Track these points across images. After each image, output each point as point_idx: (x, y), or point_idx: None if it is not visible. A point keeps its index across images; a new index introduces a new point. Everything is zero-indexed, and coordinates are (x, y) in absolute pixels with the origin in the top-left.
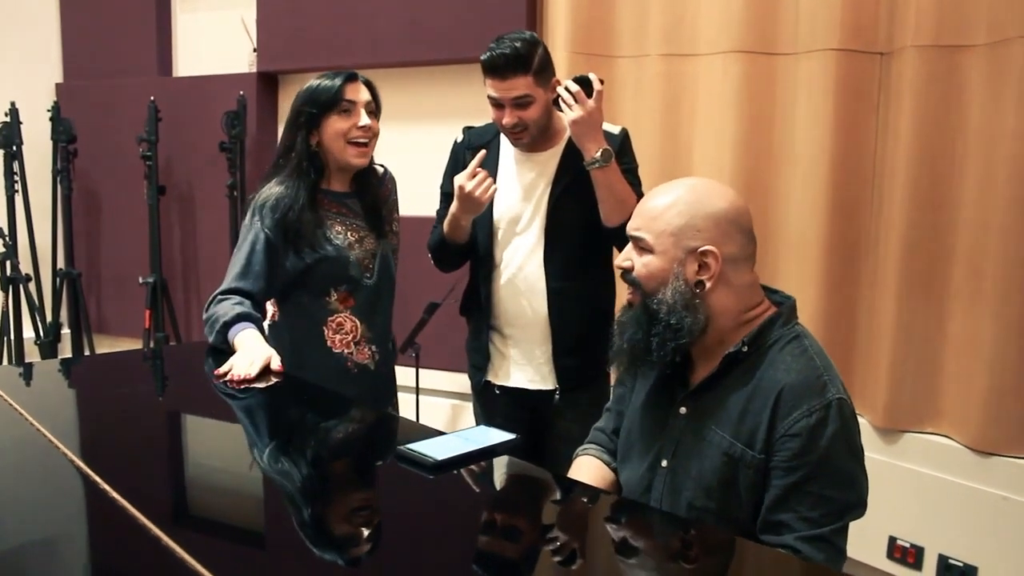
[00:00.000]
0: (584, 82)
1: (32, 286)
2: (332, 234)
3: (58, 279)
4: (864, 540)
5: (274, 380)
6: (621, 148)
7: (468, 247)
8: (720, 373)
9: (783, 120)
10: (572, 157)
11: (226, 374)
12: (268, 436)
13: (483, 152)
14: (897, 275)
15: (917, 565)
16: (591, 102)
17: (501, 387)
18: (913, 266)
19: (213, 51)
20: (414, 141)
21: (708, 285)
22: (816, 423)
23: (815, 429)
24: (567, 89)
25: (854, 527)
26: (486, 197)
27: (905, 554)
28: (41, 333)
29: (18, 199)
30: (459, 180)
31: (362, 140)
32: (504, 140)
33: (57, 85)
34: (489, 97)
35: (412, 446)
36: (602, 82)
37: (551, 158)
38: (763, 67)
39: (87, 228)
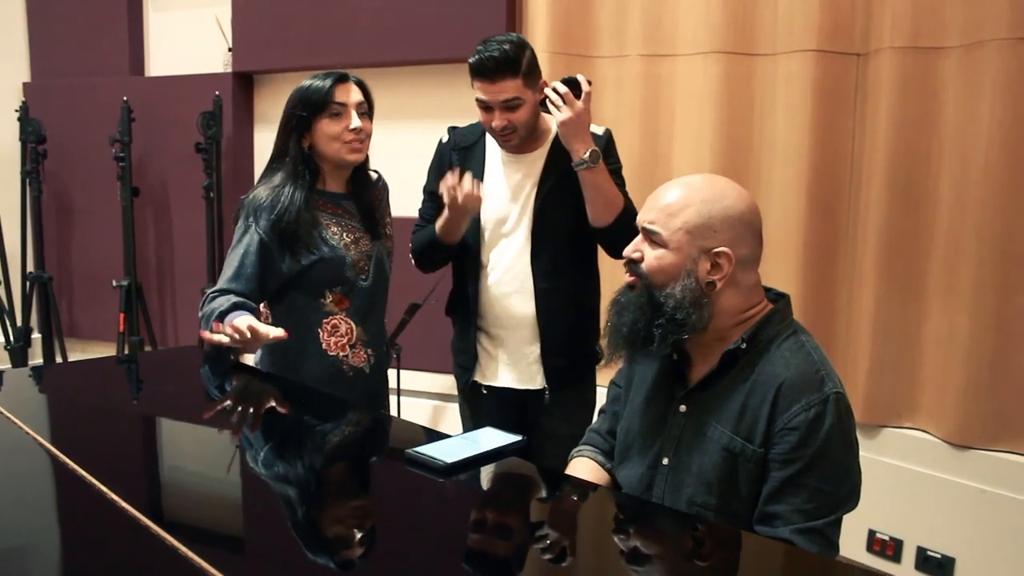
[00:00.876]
0: (573, 83)
1: (1, 290)
2: (328, 235)
3: (28, 283)
4: (843, 533)
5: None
6: (606, 148)
7: (456, 249)
8: (719, 370)
9: (762, 120)
10: (558, 158)
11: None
12: (273, 443)
13: (469, 175)
14: (874, 273)
15: (896, 558)
16: (580, 103)
17: (488, 387)
18: (890, 264)
19: (186, 51)
20: (393, 142)
21: (719, 286)
22: (814, 417)
23: (813, 423)
24: (555, 90)
25: None
26: (473, 202)
27: (884, 547)
28: (10, 338)
29: None
30: (445, 192)
31: (355, 142)
32: (490, 141)
33: (24, 84)
34: (478, 100)
35: (421, 449)
36: (590, 83)
37: (537, 159)
38: (742, 68)
39: (58, 231)
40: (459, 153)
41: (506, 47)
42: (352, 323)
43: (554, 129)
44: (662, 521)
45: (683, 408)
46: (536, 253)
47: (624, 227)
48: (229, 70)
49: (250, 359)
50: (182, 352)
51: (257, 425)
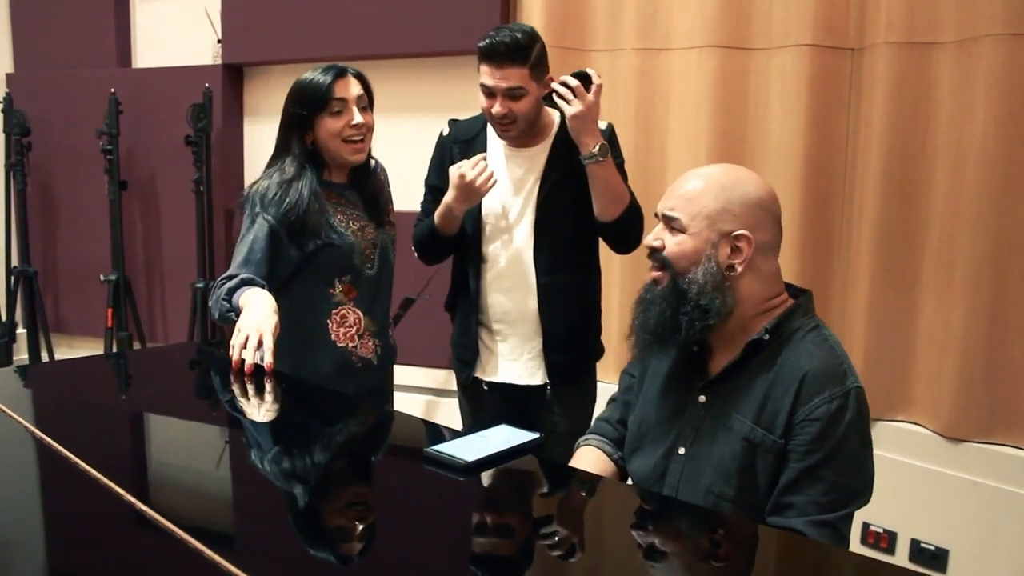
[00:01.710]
0: (583, 77)
1: None
2: (336, 223)
3: (12, 277)
4: None
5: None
6: (609, 143)
7: (456, 239)
8: (742, 360)
9: (756, 114)
10: (561, 152)
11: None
12: (291, 445)
13: (484, 155)
14: (869, 267)
15: (890, 550)
16: (590, 97)
17: (489, 383)
18: (885, 258)
19: (175, 42)
20: (383, 135)
21: (739, 269)
22: (836, 410)
23: (835, 415)
24: (566, 84)
25: None
26: (487, 187)
27: (878, 539)
28: None
29: None
30: (460, 168)
31: (357, 137)
32: (491, 135)
33: (8, 75)
34: (482, 85)
35: (439, 448)
36: (600, 77)
37: (539, 153)
38: (737, 62)
39: (43, 224)
40: (460, 146)
41: (518, 35)
42: (360, 313)
43: (556, 123)
44: (676, 516)
45: (702, 398)
46: (539, 248)
47: (630, 222)
48: (219, 62)
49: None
50: (175, 349)
51: (269, 426)
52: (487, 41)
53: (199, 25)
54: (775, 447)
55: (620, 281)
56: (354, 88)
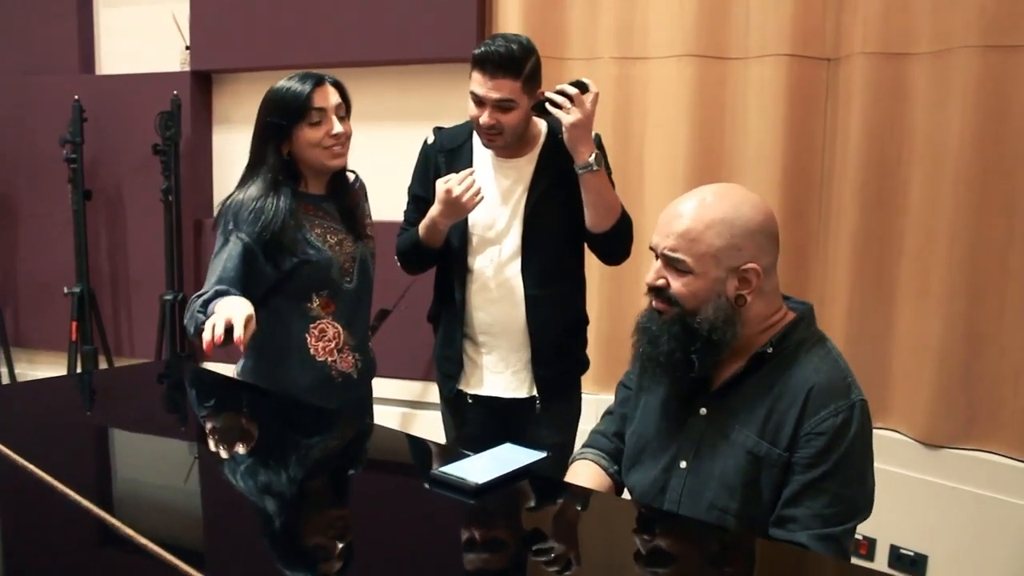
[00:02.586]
0: (581, 85)
1: None
2: (312, 237)
3: None
4: None
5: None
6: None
7: (441, 251)
8: (745, 373)
9: (734, 124)
10: (548, 162)
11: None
12: (288, 465)
13: (472, 170)
14: (846, 276)
15: (869, 556)
16: (588, 105)
17: (474, 396)
18: (862, 267)
19: (140, 48)
20: (359, 145)
21: (749, 300)
22: (842, 423)
23: (840, 428)
24: (563, 92)
25: None
26: (474, 203)
27: (858, 546)
28: None
29: None
30: (447, 183)
31: (336, 147)
32: (477, 144)
33: None
34: (472, 93)
35: (447, 469)
36: (596, 86)
37: (527, 164)
38: (714, 71)
39: (3, 235)
40: (445, 155)
41: (514, 47)
42: (339, 327)
43: (544, 133)
44: (681, 532)
45: (704, 411)
46: (526, 259)
47: (621, 233)
48: (187, 69)
49: (231, 370)
50: (147, 368)
51: (257, 448)
52: (482, 49)
53: (166, 31)
54: (780, 460)
55: (600, 290)
56: (332, 97)
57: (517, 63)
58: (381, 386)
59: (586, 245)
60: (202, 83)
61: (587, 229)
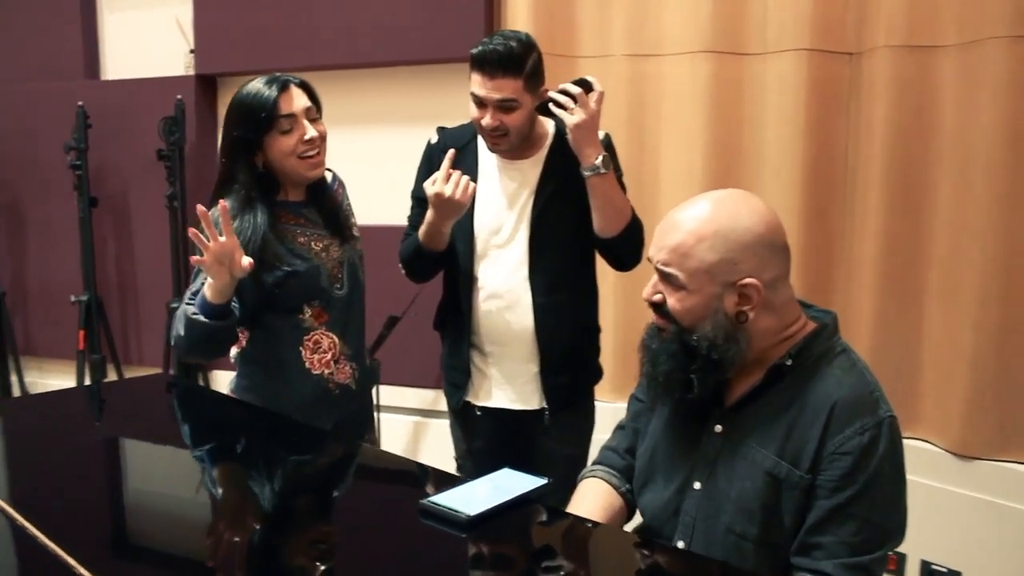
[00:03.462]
0: (584, 84)
1: None
2: (297, 247)
3: None
4: None
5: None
6: (607, 154)
7: (445, 256)
8: (762, 387)
9: (752, 122)
10: (556, 164)
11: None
12: (270, 490)
13: (452, 152)
14: (872, 279)
15: (899, 572)
16: (592, 105)
17: (482, 407)
18: (888, 270)
19: (145, 53)
20: (364, 147)
21: (751, 316)
22: (869, 442)
23: (867, 448)
24: (566, 92)
25: None
26: (466, 198)
27: (887, 562)
28: None
29: None
30: (433, 188)
31: (311, 152)
32: (482, 146)
33: None
34: (472, 94)
35: (437, 499)
36: (600, 84)
37: (533, 166)
38: (731, 67)
39: (11, 243)
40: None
41: (513, 44)
42: (334, 336)
43: (551, 134)
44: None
45: (718, 428)
46: (534, 265)
47: (632, 238)
48: (191, 73)
49: (224, 385)
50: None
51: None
52: (480, 48)
53: (170, 35)
54: (801, 483)
55: (614, 297)
56: (300, 100)
57: (517, 61)
58: (392, 395)
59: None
60: (207, 87)
61: (595, 234)
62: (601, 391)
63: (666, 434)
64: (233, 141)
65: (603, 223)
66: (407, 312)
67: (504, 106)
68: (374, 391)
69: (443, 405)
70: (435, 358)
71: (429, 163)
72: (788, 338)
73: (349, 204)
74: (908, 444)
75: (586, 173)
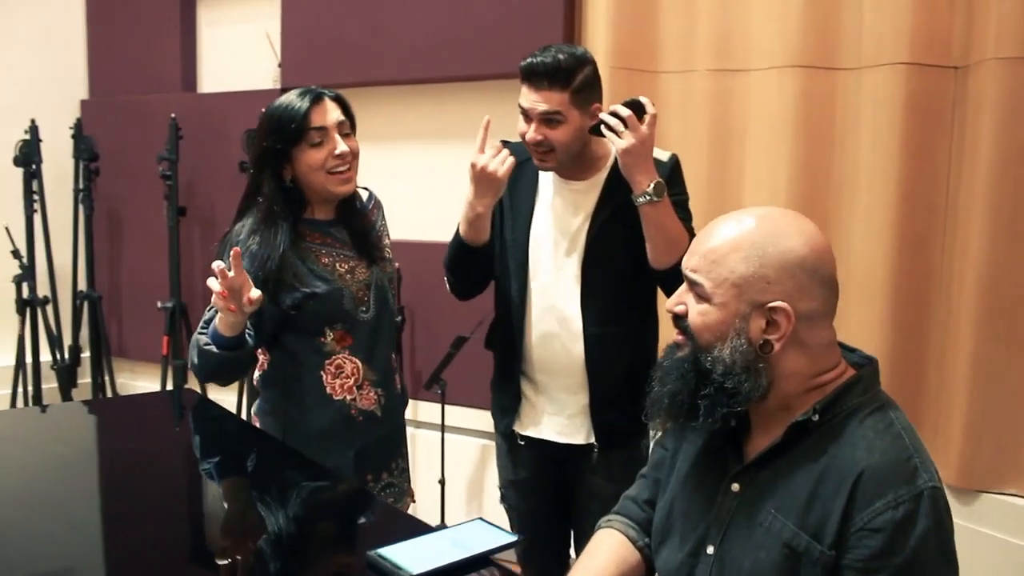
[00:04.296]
0: (636, 106)
1: (50, 309)
2: (319, 268)
3: (78, 301)
4: None
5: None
6: (671, 177)
7: (486, 264)
8: (784, 445)
9: (844, 142)
10: (615, 188)
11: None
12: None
13: (488, 119)
14: (973, 317)
15: None
16: (644, 128)
17: (526, 438)
18: (992, 306)
19: (239, 67)
20: (446, 161)
21: (776, 347)
22: (903, 518)
23: (902, 525)
24: (615, 114)
25: None
26: (503, 171)
27: None
28: (57, 357)
29: (36, 219)
30: (473, 157)
31: (342, 168)
32: None
33: (83, 102)
34: (519, 106)
35: (385, 552)
36: (654, 106)
37: (591, 188)
38: (822, 83)
39: (108, 250)
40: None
41: (561, 56)
42: (358, 362)
43: (613, 155)
44: None
45: (735, 487)
46: (586, 294)
47: None
48: (278, 86)
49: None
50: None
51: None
52: (528, 60)
53: (262, 49)
54: (823, 560)
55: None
56: (333, 114)
57: (565, 74)
58: (458, 415)
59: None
60: None
61: (649, 264)
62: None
63: (684, 487)
64: (261, 152)
65: (656, 254)
66: (475, 332)
67: (548, 119)
68: (439, 412)
69: None
70: None
71: None
72: (817, 387)
73: (384, 224)
74: (1011, 501)
75: (637, 201)
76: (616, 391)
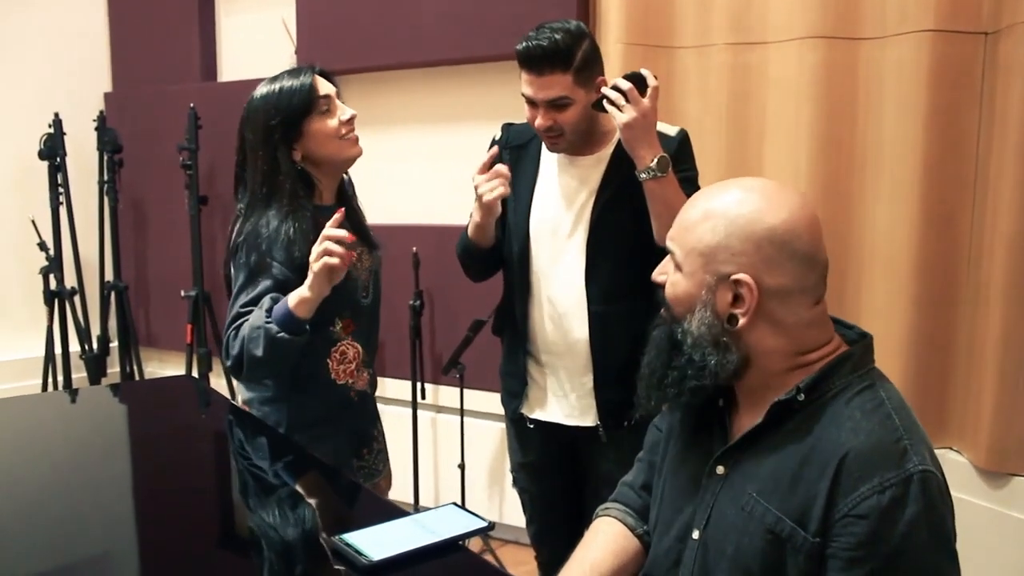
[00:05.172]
0: (636, 79)
1: (77, 300)
2: None
3: (105, 292)
4: None
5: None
6: (679, 153)
7: (494, 254)
8: (768, 426)
9: (868, 115)
10: (620, 163)
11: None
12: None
13: (495, 149)
14: (1003, 294)
15: None
16: (645, 102)
17: (535, 421)
18: (1022, 283)
19: (257, 54)
20: (463, 144)
21: (742, 321)
22: (890, 503)
23: (889, 510)
24: (616, 88)
25: None
26: (489, 199)
27: None
28: (85, 347)
29: (62, 211)
30: (474, 179)
31: (352, 133)
32: None
33: (106, 94)
34: (523, 94)
35: (349, 537)
36: (656, 78)
37: (597, 163)
38: (844, 54)
39: (133, 240)
40: (512, 152)
41: (558, 36)
42: (359, 346)
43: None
44: None
45: (720, 469)
46: (591, 271)
47: None
48: None
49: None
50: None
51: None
52: (524, 44)
53: (280, 36)
54: (808, 547)
55: None
56: (328, 85)
57: (564, 54)
58: (477, 399)
59: None
60: None
61: (655, 242)
62: None
63: (674, 470)
64: (268, 132)
65: (661, 230)
66: (492, 315)
67: (555, 104)
68: (458, 396)
69: None
70: None
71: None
72: (804, 367)
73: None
74: None
75: (641, 176)
76: (621, 370)
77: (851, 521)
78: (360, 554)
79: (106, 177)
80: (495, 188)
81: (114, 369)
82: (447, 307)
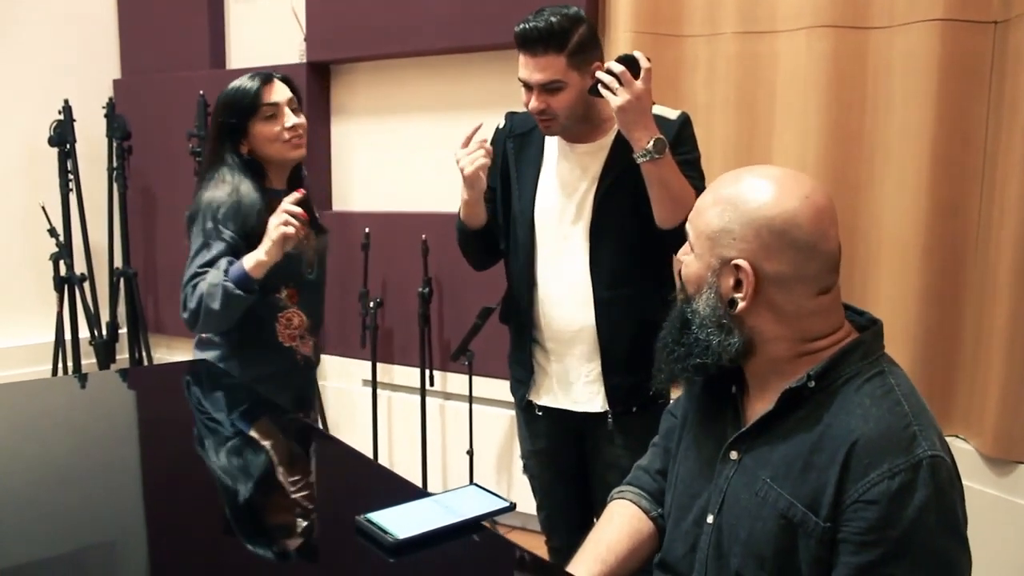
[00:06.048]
0: (630, 61)
1: (87, 286)
2: None
3: (115, 278)
4: None
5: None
6: (679, 136)
7: (489, 239)
8: (779, 413)
9: (876, 105)
10: (622, 150)
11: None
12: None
13: (479, 124)
14: (1010, 284)
15: None
16: (639, 84)
17: (543, 408)
18: None
19: (266, 42)
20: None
21: (741, 305)
22: (899, 488)
23: (898, 496)
24: (609, 71)
25: None
26: (468, 171)
27: None
28: (95, 333)
29: (71, 198)
30: (455, 154)
31: (294, 138)
32: None
33: (115, 81)
34: (519, 77)
35: (373, 516)
36: (649, 60)
37: (598, 150)
38: (853, 43)
39: (143, 226)
40: (515, 140)
41: (554, 19)
42: (303, 315)
43: None
44: None
45: (734, 455)
46: (595, 257)
47: None
48: (304, 61)
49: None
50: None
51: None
52: (520, 27)
53: (289, 24)
54: (818, 531)
55: None
56: (283, 92)
57: (559, 36)
58: (488, 386)
59: None
60: (320, 74)
61: (656, 225)
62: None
63: (689, 454)
64: (220, 127)
65: (661, 213)
66: (500, 303)
67: (548, 88)
68: (466, 383)
69: None
70: None
71: (496, 149)
72: (812, 353)
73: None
74: None
75: (637, 159)
76: (628, 355)
77: (861, 506)
78: (386, 532)
79: (115, 164)
80: (476, 160)
81: (123, 355)
82: (456, 294)
